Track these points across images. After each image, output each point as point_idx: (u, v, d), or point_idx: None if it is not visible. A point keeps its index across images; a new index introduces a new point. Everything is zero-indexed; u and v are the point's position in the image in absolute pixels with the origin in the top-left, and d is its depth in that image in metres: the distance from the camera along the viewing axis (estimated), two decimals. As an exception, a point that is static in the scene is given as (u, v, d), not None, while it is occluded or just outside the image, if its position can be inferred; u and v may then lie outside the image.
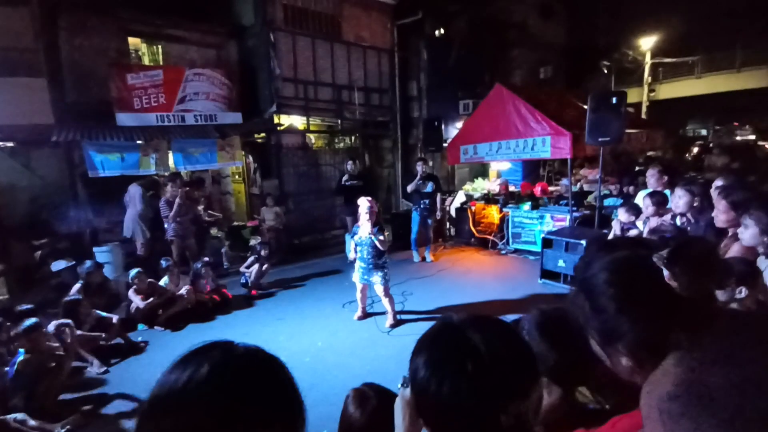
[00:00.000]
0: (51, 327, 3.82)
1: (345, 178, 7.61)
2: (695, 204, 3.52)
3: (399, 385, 0.89)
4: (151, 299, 5.01)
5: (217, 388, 0.57)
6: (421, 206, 7.06)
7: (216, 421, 0.55)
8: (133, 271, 5.08)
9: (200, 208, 7.26)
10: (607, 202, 7.23)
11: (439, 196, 7.26)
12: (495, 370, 0.71)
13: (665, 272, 0.69)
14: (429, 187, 7.08)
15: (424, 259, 7.30)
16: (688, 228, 3.49)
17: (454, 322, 0.80)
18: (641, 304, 0.75)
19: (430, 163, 7.37)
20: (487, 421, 0.70)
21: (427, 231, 7.30)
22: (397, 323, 4.72)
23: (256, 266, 6.07)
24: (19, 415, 3.09)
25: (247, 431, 0.56)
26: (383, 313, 4.85)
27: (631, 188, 7.21)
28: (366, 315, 4.98)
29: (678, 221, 3.67)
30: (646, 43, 15.89)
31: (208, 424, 0.54)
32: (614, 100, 5.66)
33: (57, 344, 3.78)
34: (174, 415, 0.55)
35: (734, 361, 0.43)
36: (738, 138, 19.92)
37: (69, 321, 3.94)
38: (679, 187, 3.65)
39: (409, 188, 7.14)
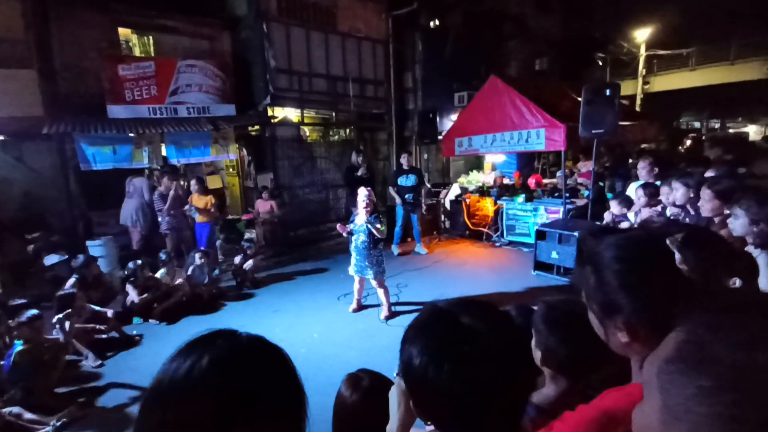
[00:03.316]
0: (54, 319, 3.80)
1: (361, 169, 7.43)
2: (691, 195, 3.54)
3: (395, 374, 0.89)
4: (146, 294, 5.00)
5: (221, 378, 0.55)
6: (405, 200, 7.07)
7: (220, 412, 0.52)
8: (137, 263, 5.08)
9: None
10: (585, 193, 7.31)
11: (423, 189, 7.30)
12: (493, 354, 0.70)
13: (677, 256, 0.69)
14: (413, 180, 7.08)
15: (408, 252, 7.29)
16: (687, 219, 3.52)
17: (444, 307, 0.79)
18: (645, 283, 0.76)
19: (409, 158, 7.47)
20: (484, 405, 0.70)
21: (413, 224, 7.32)
22: (392, 315, 4.75)
23: (250, 262, 6.04)
24: (15, 409, 3.08)
25: (251, 422, 0.54)
26: (378, 305, 4.88)
27: (619, 183, 7.22)
28: (361, 307, 5.01)
29: (668, 212, 3.70)
30: (641, 34, 15.86)
31: (213, 415, 0.52)
32: (608, 92, 5.67)
33: (54, 336, 3.78)
34: (177, 405, 0.53)
35: (732, 326, 0.44)
36: (731, 130, 20.06)
37: (70, 310, 3.92)
38: (675, 179, 3.67)
39: (392, 190, 7.26)
